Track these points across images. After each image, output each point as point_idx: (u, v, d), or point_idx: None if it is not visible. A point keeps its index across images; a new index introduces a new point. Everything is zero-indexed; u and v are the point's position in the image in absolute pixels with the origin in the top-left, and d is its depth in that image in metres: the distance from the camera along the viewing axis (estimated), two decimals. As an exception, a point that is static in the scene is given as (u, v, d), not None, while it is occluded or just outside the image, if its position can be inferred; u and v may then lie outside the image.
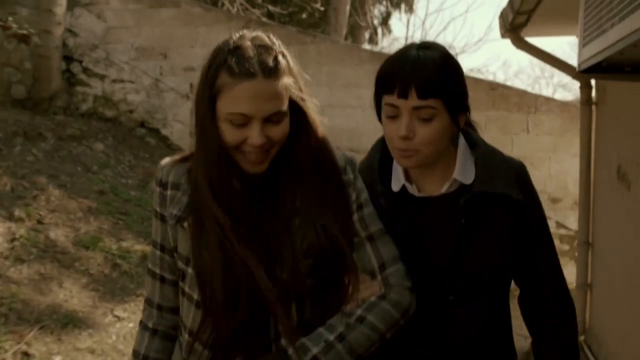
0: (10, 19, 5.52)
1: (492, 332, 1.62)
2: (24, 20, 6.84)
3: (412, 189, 1.60)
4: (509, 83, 16.60)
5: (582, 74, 3.07)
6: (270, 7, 15.70)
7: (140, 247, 4.96)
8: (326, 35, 12.26)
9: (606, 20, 2.35)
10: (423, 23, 25.49)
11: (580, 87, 4.67)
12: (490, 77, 16.84)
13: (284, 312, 1.41)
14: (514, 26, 4.67)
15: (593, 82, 4.57)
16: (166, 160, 1.55)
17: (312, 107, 1.49)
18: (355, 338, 1.41)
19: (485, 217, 1.55)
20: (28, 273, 4.08)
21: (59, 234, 4.68)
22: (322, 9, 15.42)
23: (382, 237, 1.53)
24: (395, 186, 1.62)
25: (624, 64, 2.70)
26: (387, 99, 1.51)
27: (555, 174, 6.78)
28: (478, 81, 7.24)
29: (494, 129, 6.79)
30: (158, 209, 1.51)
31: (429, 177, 1.59)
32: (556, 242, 3.14)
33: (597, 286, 4.39)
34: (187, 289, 1.48)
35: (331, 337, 1.41)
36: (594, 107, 4.59)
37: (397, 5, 19.71)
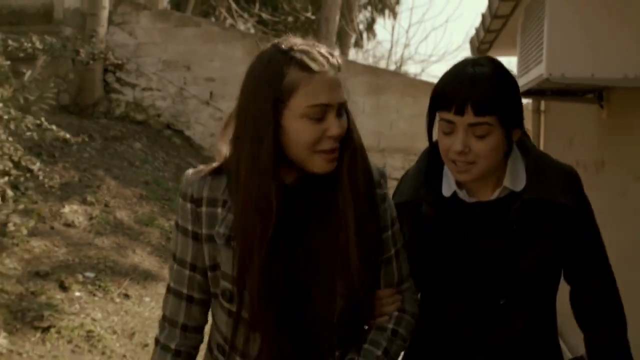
0: (109, 52, 6.69)
1: (540, 334, 1.65)
2: (67, 39, 8.06)
3: (463, 195, 1.63)
4: None
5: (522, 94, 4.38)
6: (263, 15, 16.90)
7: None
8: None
9: (529, 63, 3.64)
10: (407, 32, 27.05)
11: (532, 99, 5.98)
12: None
13: (330, 328, 1.43)
14: (480, 50, 5.97)
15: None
16: (193, 174, 1.48)
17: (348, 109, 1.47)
18: (394, 350, 1.52)
19: (536, 223, 1.57)
20: (108, 243, 5.32)
21: (122, 215, 5.92)
22: (312, 17, 16.61)
23: (404, 253, 1.58)
24: (447, 192, 1.64)
25: (547, 89, 3.99)
26: (443, 115, 1.53)
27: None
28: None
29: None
30: (189, 227, 1.45)
31: (480, 184, 1.62)
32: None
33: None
34: (229, 307, 1.46)
35: (379, 353, 1.48)
36: (542, 114, 5.89)
37: (381, 11, 20.89)
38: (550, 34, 3.13)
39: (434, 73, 24.71)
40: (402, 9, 21.83)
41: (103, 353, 3.87)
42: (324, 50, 1.40)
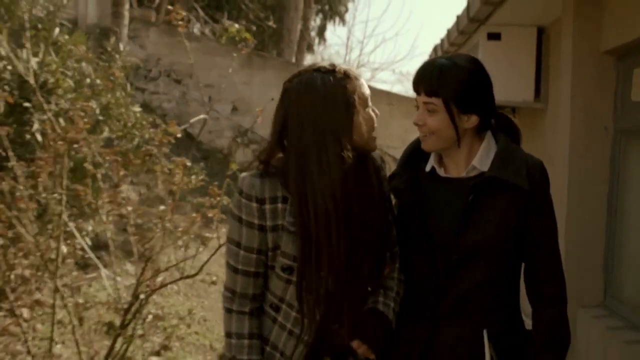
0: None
1: (492, 295, 1.90)
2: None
3: (439, 170, 1.95)
4: None
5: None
6: (228, 22, 18.50)
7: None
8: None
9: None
10: (361, 42, 29.72)
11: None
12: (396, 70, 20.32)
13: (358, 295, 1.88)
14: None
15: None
16: (251, 179, 1.81)
17: None
18: (401, 291, 1.97)
19: (490, 197, 1.86)
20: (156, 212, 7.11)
21: (158, 191, 7.67)
22: (274, 26, 18.33)
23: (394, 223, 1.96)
24: (428, 167, 1.97)
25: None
26: (415, 94, 1.87)
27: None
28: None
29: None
30: (256, 221, 1.79)
31: (455, 162, 1.93)
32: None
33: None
34: (293, 279, 1.82)
35: (394, 294, 1.94)
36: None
37: (331, 18, 22.71)
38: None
39: (383, 79, 27.08)
40: (357, 22, 24.72)
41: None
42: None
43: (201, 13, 18.46)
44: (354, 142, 1.76)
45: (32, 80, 3.32)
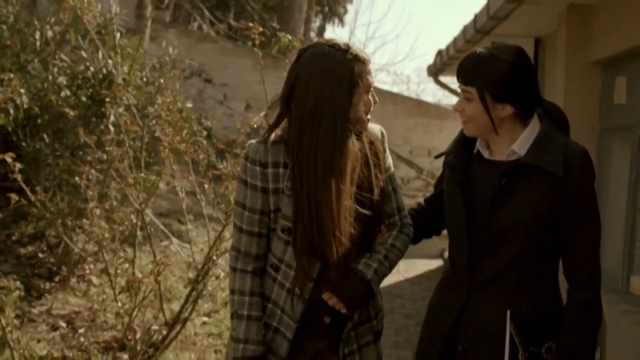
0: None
1: (525, 275, 1.94)
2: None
3: (484, 153, 2.02)
4: (422, 86, 21.36)
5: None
6: (232, 22, 19.14)
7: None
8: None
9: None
10: (363, 44, 30.69)
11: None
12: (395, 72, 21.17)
13: (348, 236, 1.90)
14: (435, 73, 8.65)
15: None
16: (257, 145, 1.93)
17: None
18: (391, 257, 2.01)
19: (526, 183, 1.89)
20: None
21: (184, 181, 8.33)
22: (277, 27, 18.94)
23: (399, 190, 2.09)
24: (475, 148, 2.05)
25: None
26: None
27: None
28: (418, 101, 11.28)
29: (419, 130, 10.87)
30: (259, 184, 1.90)
31: (497, 146, 1.99)
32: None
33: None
34: (286, 237, 1.92)
35: (380, 257, 1.99)
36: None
37: (330, 19, 23.35)
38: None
39: (382, 80, 28.01)
40: (358, 24, 25.84)
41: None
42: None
43: (207, 13, 19.08)
44: (348, 119, 1.85)
45: (119, 79, 3.97)
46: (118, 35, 4.71)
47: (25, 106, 4.06)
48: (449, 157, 2.09)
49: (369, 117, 1.93)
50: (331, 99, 1.82)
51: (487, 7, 5.08)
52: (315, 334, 1.97)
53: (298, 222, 1.86)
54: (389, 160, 2.03)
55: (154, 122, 4.26)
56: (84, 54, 4.55)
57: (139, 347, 3.50)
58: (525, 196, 1.89)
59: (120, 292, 3.45)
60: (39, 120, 4.51)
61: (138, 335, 3.63)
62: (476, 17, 5.57)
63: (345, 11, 23.09)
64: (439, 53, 8.03)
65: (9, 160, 3.24)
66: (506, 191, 1.90)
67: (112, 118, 4.37)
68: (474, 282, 1.97)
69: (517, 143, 1.93)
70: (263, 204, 1.91)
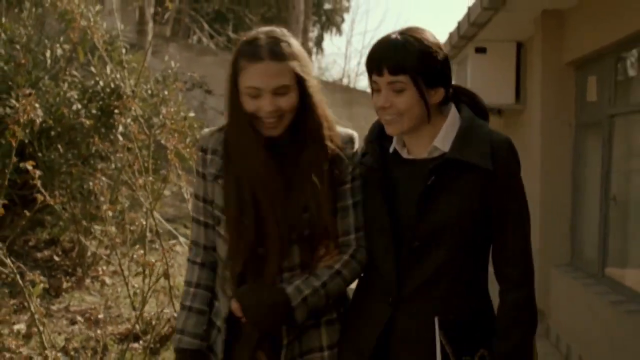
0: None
1: (456, 281, 1.79)
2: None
3: (402, 152, 1.84)
4: None
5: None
6: (231, 34, 19.55)
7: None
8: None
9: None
10: (360, 52, 31.32)
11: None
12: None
13: (281, 251, 1.78)
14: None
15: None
16: (206, 131, 1.93)
17: (313, 86, 1.80)
18: (332, 286, 1.82)
19: (451, 180, 1.75)
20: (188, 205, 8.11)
21: (190, 188, 8.68)
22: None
23: (360, 206, 1.88)
24: (391, 148, 1.86)
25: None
26: (371, 76, 1.78)
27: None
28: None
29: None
30: (200, 169, 1.87)
31: (418, 143, 1.81)
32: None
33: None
34: (221, 231, 1.84)
35: (317, 284, 1.80)
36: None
37: (327, 28, 23.73)
38: (471, 79, 6.13)
39: None
40: (355, 33, 26.48)
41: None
42: (273, 41, 1.75)
43: (206, 26, 19.47)
44: (236, 109, 1.79)
45: (129, 92, 4.31)
46: (124, 51, 5.06)
47: (39, 120, 4.38)
48: (364, 157, 1.88)
49: (270, 122, 1.76)
50: (227, 91, 1.81)
51: (468, 14, 5.41)
52: (246, 341, 1.83)
53: (226, 215, 1.82)
54: (357, 171, 1.87)
55: (159, 131, 4.60)
56: (93, 69, 4.89)
57: (149, 336, 3.82)
58: (454, 194, 1.76)
59: (135, 275, 3.76)
60: (52, 133, 4.86)
61: (150, 323, 3.95)
62: (459, 24, 5.90)
63: (343, 20, 23.46)
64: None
65: (29, 167, 3.56)
66: (433, 190, 1.76)
67: (120, 128, 4.71)
68: (401, 292, 1.80)
69: (439, 138, 1.79)
70: (205, 191, 1.87)
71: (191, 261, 1.92)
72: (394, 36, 1.77)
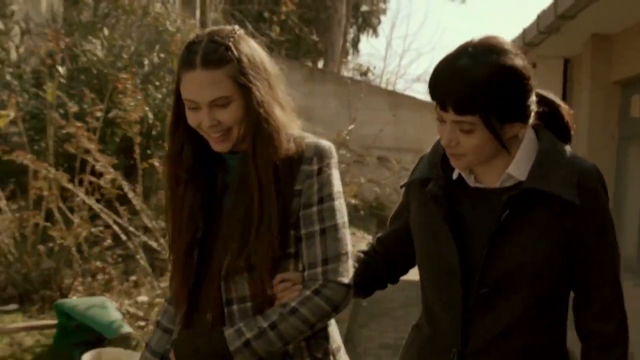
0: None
1: (532, 335, 1.53)
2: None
3: (469, 179, 1.57)
4: None
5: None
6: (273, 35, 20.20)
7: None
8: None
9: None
10: (400, 56, 32.16)
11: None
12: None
13: (216, 286, 1.58)
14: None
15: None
16: None
17: (263, 94, 1.54)
18: (285, 327, 1.52)
19: (529, 214, 1.48)
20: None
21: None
22: (316, 39, 19.93)
23: (335, 233, 1.57)
24: (455, 174, 1.58)
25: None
26: (435, 105, 1.48)
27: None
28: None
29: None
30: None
31: (488, 170, 1.55)
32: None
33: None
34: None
35: (265, 325, 1.53)
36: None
37: (364, 30, 24.28)
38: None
39: (417, 90, 29.43)
40: (394, 36, 27.46)
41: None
42: (211, 46, 1.51)
43: (250, 27, 20.13)
44: (175, 122, 1.64)
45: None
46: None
47: (150, 121, 5.09)
48: (429, 184, 1.61)
49: (216, 137, 1.56)
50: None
51: (523, 35, 6.00)
52: None
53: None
54: (325, 191, 1.59)
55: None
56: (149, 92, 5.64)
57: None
58: (532, 231, 1.49)
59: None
60: (154, 132, 5.56)
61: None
62: (513, 42, 6.48)
63: (379, 22, 23.96)
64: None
65: (156, 164, 4.25)
66: (507, 228, 1.50)
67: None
68: (467, 347, 1.56)
69: (514, 164, 1.53)
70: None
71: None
72: (462, 62, 1.44)
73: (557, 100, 1.64)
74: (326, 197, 1.60)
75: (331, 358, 1.67)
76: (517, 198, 1.50)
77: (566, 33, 5.42)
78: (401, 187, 1.76)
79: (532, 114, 1.54)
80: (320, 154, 1.60)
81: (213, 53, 1.52)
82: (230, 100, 1.54)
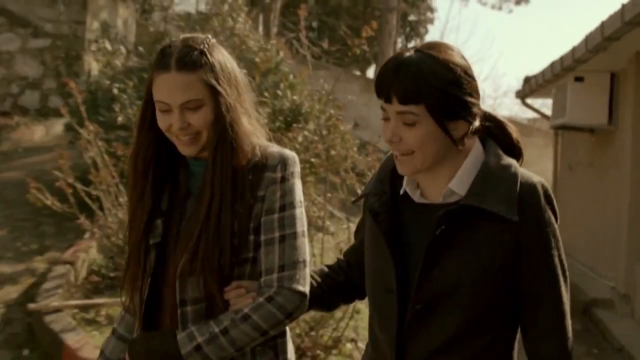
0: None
1: (473, 355, 1.48)
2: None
3: (414, 194, 1.54)
4: (498, 101, 22.64)
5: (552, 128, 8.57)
6: (324, 46, 20.95)
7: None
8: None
9: (558, 114, 7.80)
10: None
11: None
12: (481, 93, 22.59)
13: (171, 286, 1.60)
14: (522, 96, 10.14)
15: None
16: None
17: (231, 100, 1.56)
18: (237, 333, 1.54)
19: (470, 231, 1.45)
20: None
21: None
22: (367, 49, 20.53)
23: (293, 241, 1.59)
24: (402, 189, 1.56)
25: (567, 126, 8.08)
26: (380, 102, 1.47)
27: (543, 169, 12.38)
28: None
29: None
30: None
31: (432, 185, 1.51)
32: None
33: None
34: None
35: (216, 330, 1.54)
36: (559, 138, 10.02)
37: (411, 39, 24.81)
38: (570, 103, 7.31)
39: None
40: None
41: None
42: (185, 50, 1.55)
43: (304, 40, 20.86)
44: (144, 126, 1.66)
45: (304, 109, 5.71)
46: (291, 76, 6.54)
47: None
48: (369, 200, 1.61)
49: (186, 140, 1.59)
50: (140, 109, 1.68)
51: (573, 51, 6.62)
52: None
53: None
54: (287, 199, 1.62)
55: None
56: (279, 92, 6.37)
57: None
58: (470, 249, 1.46)
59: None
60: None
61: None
62: (562, 58, 7.10)
63: (427, 31, 24.47)
64: (527, 80, 9.49)
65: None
66: (443, 244, 1.46)
67: (300, 138, 6.15)
68: None
69: (456, 180, 1.49)
70: None
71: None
72: (406, 55, 1.45)
73: (503, 118, 1.60)
74: (288, 205, 1.62)
75: None
76: (454, 214, 1.46)
77: (612, 52, 6.03)
78: (353, 202, 1.78)
79: (477, 117, 1.50)
80: (285, 163, 1.63)
81: (187, 56, 1.56)
82: (201, 104, 1.57)
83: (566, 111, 7.35)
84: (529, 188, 1.47)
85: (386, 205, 1.57)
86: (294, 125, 5.93)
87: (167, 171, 1.69)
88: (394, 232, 1.54)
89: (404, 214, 1.56)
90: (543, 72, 8.30)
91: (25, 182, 7.47)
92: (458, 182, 1.49)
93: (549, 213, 1.48)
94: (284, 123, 6.21)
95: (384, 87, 1.45)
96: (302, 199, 1.65)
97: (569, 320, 1.51)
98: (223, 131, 1.59)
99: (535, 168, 11.38)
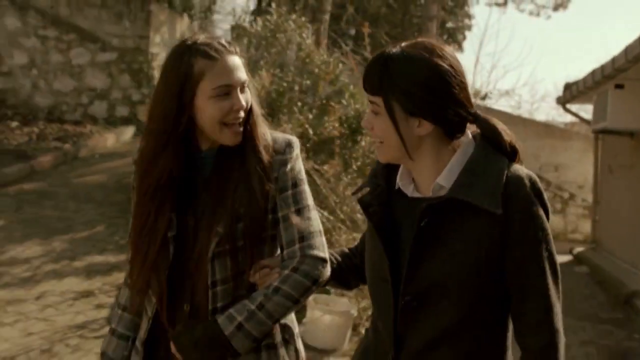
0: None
1: (466, 345, 1.50)
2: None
3: (407, 189, 1.57)
4: (535, 105, 23.07)
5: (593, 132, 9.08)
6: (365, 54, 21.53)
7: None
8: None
9: (599, 118, 8.31)
10: (489, 72, 33.68)
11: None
12: (517, 98, 23.06)
13: (203, 271, 1.66)
14: (562, 102, 10.64)
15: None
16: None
17: (252, 89, 1.70)
18: (272, 306, 1.62)
19: (457, 224, 1.46)
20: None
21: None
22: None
23: (308, 213, 1.70)
24: (397, 184, 1.60)
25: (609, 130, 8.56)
26: None
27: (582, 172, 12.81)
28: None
29: (547, 149, 12.86)
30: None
31: (425, 179, 1.54)
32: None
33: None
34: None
35: (253, 307, 1.62)
36: (599, 141, 10.47)
37: (449, 45, 25.21)
38: (611, 109, 7.83)
39: (504, 104, 31.00)
40: (482, 53, 29.23)
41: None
42: (223, 40, 1.68)
43: (344, 47, 21.51)
44: (174, 124, 1.65)
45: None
46: (351, 87, 7.20)
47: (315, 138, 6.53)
48: (363, 194, 1.64)
49: (237, 126, 1.67)
50: (158, 100, 1.67)
51: (613, 61, 7.17)
52: None
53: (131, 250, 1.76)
54: (297, 177, 1.74)
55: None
56: (344, 102, 7.03)
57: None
58: (458, 242, 1.47)
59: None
60: (308, 145, 7.03)
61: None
62: (603, 67, 7.64)
63: (464, 38, 24.87)
64: (568, 87, 10.00)
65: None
66: (430, 237, 1.48)
67: (363, 143, 6.80)
68: (400, 354, 1.55)
69: (444, 173, 1.51)
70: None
71: (124, 282, 1.84)
72: (392, 49, 1.49)
73: (496, 123, 1.56)
74: (299, 182, 1.73)
75: (296, 340, 1.80)
76: (439, 207, 1.47)
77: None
78: (352, 194, 1.77)
79: (452, 120, 1.49)
80: (291, 145, 1.75)
81: (227, 43, 1.68)
82: (246, 85, 1.70)
83: (607, 116, 7.86)
84: (515, 181, 1.47)
85: (379, 198, 1.59)
86: (357, 131, 6.59)
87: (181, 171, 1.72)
88: (386, 224, 1.57)
89: (398, 208, 1.59)
90: (584, 80, 8.82)
91: (108, 184, 8.27)
92: (446, 177, 1.51)
93: (537, 206, 1.47)
94: (349, 129, 6.85)
95: (364, 76, 1.54)
96: (305, 176, 1.78)
97: (557, 313, 1.49)
98: (253, 115, 1.72)
99: (576, 171, 12.06)
